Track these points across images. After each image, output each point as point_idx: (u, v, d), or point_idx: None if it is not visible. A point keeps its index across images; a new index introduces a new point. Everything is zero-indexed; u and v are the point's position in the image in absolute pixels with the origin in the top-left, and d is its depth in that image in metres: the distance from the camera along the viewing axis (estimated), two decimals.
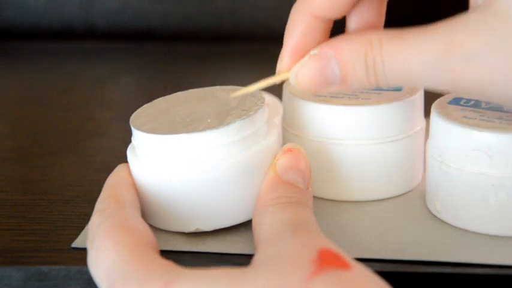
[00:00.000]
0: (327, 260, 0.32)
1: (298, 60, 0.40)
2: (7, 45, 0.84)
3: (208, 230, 0.40)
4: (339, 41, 0.39)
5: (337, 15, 0.40)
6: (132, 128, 0.40)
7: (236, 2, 0.83)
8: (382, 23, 0.42)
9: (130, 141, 0.43)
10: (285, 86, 0.46)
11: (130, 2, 0.84)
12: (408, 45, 0.36)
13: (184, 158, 0.39)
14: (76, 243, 0.41)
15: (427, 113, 0.45)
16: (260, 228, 0.36)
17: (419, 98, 0.45)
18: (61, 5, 0.84)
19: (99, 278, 0.34)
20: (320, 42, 0.40)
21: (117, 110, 0.65)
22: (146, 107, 0.43)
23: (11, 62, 0.82)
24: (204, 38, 0.84)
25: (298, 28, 0.40)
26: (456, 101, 0.43)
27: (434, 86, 0.38)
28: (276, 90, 0.56)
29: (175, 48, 0.83)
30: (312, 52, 0.39)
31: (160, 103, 0.43)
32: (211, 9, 0.84)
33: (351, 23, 0.41)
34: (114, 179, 0.40)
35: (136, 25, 0.84)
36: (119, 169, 0.41)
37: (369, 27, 0.41)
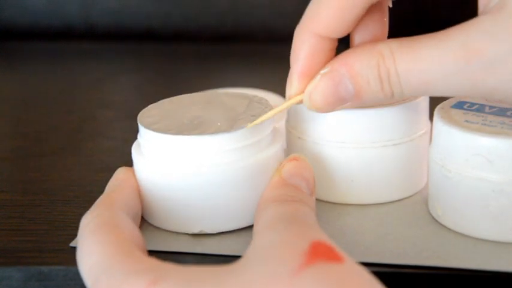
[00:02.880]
0: (319, 252, 0.31)
1: (308, 82, 0.39)
2: (7, 45, 0.84)
3: (212, 232, 0.41)
4: (349, 56, 0.38)
5: (342, 33, 0.39)
6: (142, 127, 0.41)
7: (236, 2, 0.83)
8: (386, 34, 0.41)
9: (130, 141, 0.43)
10: None
11: (130, 2, 0.84)
12: (422, 54, 0.36)
13: (194, 159, 0.39)
14: (74, 243, 0.41)
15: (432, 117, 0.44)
16: (259, 221, 0.37)
17: (423, 101, 0.44)
18: (61, 5, 0.84)
19: (85, 276, 0.34)
20: (327, 62, 0.39)
21: (117, 110, 0.65)
22: (151, 107, 0.43)
23: (11, 62, 0.82)
24: (204, 38, 0.84)
25: (304, 50, 0.39)
26: (460, 105, 0.42)
27: (453, 93, 0.37)
28: (273, 90, 0.56)
29: (175, 48, 0.83)
30: (322, 71, 0.39)
31: (165, 104, 0.44)
32: (211, 9, 0.84)
33: (356, 38, 0.41)
34: (113, 182, 0.41)
35: (136, 25, 0.84)
36: (118, 172, 0.41)
37: (373, 40, 0.40)
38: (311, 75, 0.39)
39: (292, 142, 0.45)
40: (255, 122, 0.40)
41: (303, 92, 0.40)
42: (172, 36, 0.84)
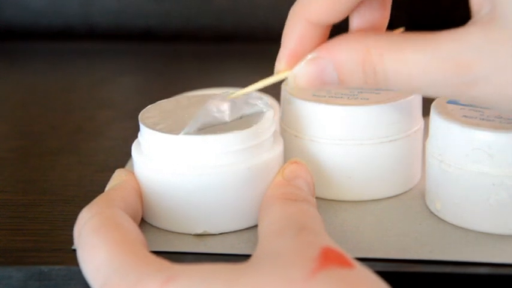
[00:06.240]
0: (330, 258, 0.32)
1: (296, 62, 0.40)
2: (7, 45, 0.84)
3: (216, 233, 0.41)
4: (336, 45, 0.38)
5: (333, 20, 0.39)
6: (145, 128, 0.41)
7: (236, 2, 0.83)
8: (386, 23, 0.41)
9: (130, 141, 0.43)
10: (283, 86, 0.46)
11: (130, 2, 0.84)
12: (411, 59, 0.36)
13: (199, 160, 0.39)
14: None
15: (425, 113, 0.45)
16: (265, 219, 0.37)
17: (417, 98, 0.45)
18: (61, 5, 0.84)
19: (91, 276, 0.34)
20: (318, 45, 0.39)
21: (117, 110, 0.65)
22: (150, 107, 0.43)
23: (11, 62, 0.82)
24: (204, 38, 0.84)
25: (295, 34, 0.39)
26: (455, 100, 0.43)
27: (437, 96, 0.39)
28: (274, 90, 0.56)
29: (175, 48, 0.83)
30: (309, 56, 0.39)
31: (164, 105, 0.44)
32: (211, 9, 0.84)
33: (353, 23, 0.41)
34: (114, 182, 0.41)
35: (136, 25, 0.84)
36: (118, 173, 0.41)
37: (371, 27, 0.41)
38: (299, 57, 0.40)
39: (289, 140, 0.45)
40: (241, 92, 0.41)
41: (290, 69, 0.40)
42: (172, 36, 0.84)
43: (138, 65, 0.81)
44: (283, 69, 0.40)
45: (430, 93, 0.37)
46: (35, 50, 0.84)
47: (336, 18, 0.39)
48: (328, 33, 0.40)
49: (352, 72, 0.38)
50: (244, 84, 0.61)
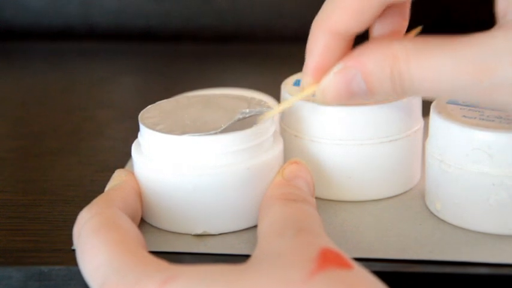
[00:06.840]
0: (329, 259, 0.32)
1: (322, 75, 0.39)
2: (7, 45, 0.84)
3: (216, 233, 0.41)
4: (363, 54, 0.38)
5: (357, 31, 0.39)
6: (145, 128, 0.41)
7: (236, 2, 0.83)
8: (406, 27, 0.41)
9: (130, 141, 0.43)
10: (283, 87, 0.46)
11: (130, 2, 0.84)
12: (436, 63, 0.36)
13: (199, 160, 0.39)
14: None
15: (425, 113, 0.45)
16: (264, 220, 0.37)
17: (417, 98, 0.45)
18: (61, 5, 0.84)
19: (90, 276, 0.34)
20: (342, 57, 0.39)
21: (117, 110, 0.65)
22: (150, 108, 0.43)
23: (11, 62, 0.81)
24: (204, 38, 0.84)
25: (319, 46, 0.39)
26: (455, 101, 0.43)
27: (462, 100, 0.39)
28: (274, 90, 0.56)
29: (175, 48, 0.83)
30: (335, 68, 0.39)
31: (164, 105, 0.44)
32: (212, 9, 0.84)
33: (375, 30, 0.41)
34: (114, 182, 0.41)
35: (136, 25, 0.84)
36: (118, 173, 0.41)
37: (392, 33, 0.41)
38: (325, 70, 0.39)
39: (289, 140, 0.45)
40: (271, 113, 0.41)
41: (317, 83, 0.40)
42: (172, 36, 0.84)
43: (138, 65, 0.81)
44: (310, 83, 0.40)
45: (454, 98, 0.38)
46: (35, 50, 0.84)
47: (360, 28, 0.39)
48: (352, 43, 0.40)
49: (380, 81, 0.37)
50: (244, 84, 0.61)
